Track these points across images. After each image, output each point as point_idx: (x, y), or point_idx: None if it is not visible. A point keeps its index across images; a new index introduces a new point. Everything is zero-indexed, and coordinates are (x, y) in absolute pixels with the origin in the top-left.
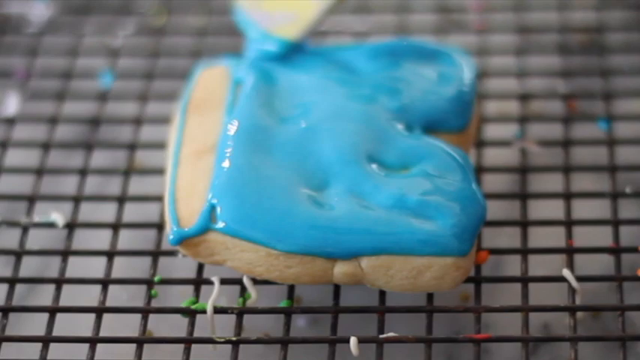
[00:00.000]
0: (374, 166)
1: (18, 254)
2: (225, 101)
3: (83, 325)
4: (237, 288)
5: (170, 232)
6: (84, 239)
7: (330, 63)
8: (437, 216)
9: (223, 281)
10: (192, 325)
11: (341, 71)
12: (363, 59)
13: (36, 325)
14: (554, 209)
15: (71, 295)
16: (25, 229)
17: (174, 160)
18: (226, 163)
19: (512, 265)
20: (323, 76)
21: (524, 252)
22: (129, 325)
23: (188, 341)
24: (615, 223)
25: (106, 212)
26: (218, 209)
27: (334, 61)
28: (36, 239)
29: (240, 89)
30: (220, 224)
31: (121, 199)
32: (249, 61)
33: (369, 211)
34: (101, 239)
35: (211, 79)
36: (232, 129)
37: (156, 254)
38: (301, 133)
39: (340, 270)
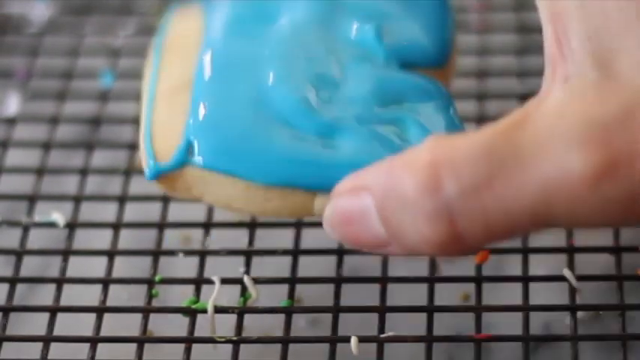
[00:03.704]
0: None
1: (18, 254)
2: (201, 39)
3: (84, 324)
4: (237, 287)
5: (146, 166)
6: (84, 239)
7: None
8: (416, 143)
9: (224, 281)
10: (192, 324)
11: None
12: None
13: (36, 324)
14: None
15: (72, 295)
16: (26, 229)
17: (150, 96)
18: (202, 97)
19: (512, 265)
20: (300, 8)
21: (525, 251)
22: (129, 324)
23: (189, 341)
24: None
25: (107, 212)
26: (195, 143)
27: None
28: (36, 239)
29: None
30: (197, 158)
31: (122, 199)
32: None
33: (347, 142)
34: (102, 239)
35: (184, 20)
36: (207, 60)
37: (156, 254)
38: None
39: (321, 203)
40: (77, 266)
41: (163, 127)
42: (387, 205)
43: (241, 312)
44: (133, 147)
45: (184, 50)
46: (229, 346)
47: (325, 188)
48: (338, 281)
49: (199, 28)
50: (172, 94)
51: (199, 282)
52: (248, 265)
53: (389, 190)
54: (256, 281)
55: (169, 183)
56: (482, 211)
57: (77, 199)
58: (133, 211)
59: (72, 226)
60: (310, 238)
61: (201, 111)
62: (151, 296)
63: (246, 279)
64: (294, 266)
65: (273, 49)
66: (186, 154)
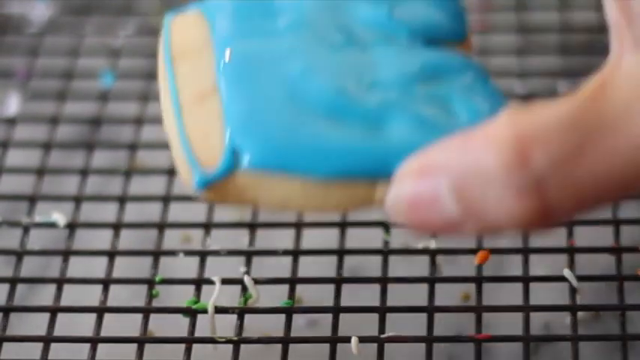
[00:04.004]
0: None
1: (19, 254)
2: (210, 42)
3: (84, 325)
4: (238, 288)
5: (192, 178)
6: (85, 239)
7: None
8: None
9: (224, 281)
10: (193, 325)
11: None
12: None
13: (37, 325)
14: None
15: (72, 295)
16: (26, 229)
17: (175, 108)
18: (235, 99)
19: (513, 265)
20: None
21: (526, 252)
22: (130, 325)
23: (189, 341)
24: (616, 223)
25: (107, 212)
26: (242, 146)
27: None
28: (37, 239)
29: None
30: (248, 161)
31: (122, 199)
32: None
33: (398, 126)
34: (102, 239)
35: (185, 26)
36: (227, 61)
37: (157, 254)
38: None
39: (382, 191)
40: (77, 266)
41: (200, 135)
42: (466, 183)
43: (242, 312)
44: (133, 147)
45: (196, 56)
46: (230, 347)
47: (386, 175)
48: (338, 281)
49: (204, 31)
50: (199, 101)
51: (200, 282)
52: (248, 265)
53: (468, 167)
54: (256, 281)
55: (218, 192)
56: (573, 181)
57: (77, 200)
58: (133, 212)
59: (72, 226)
60: (310, 238)
61: (239, 113)
62: (151, 296)
63: (246, 279)
64: (295, 266)
65: (292, 41)
66: (233, 158)
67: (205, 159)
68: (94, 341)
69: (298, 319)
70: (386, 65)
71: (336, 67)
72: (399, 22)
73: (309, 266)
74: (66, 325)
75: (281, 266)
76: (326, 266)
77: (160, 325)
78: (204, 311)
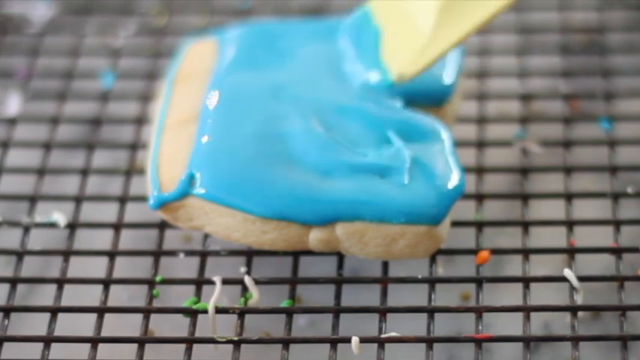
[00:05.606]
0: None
1: (19, 254)
2: (211, 72)
3: (85, 325)
4: (238, 288)
5: (151, 196)
6: (85, 239)
7: (316, 36)
8: (412, 185)
9: (225, 281)
10: (193, 325)
11: (326, 43)
12: (350, 33)
13: (37, 325)
14: (555, 209)
15: (73, 295)
16: (27, 229)
17: (159, 129)
18: (207, 132)
19: (513, 265)
20: (309, 50)
21: (526, 252)
22: (130, 325)
23: (190, 341)
24: (616, 223)
25: (108, 212)
26: (197, 175)
27: (321, 34)
28: (37, 239)
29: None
30: (199, 190)
31: (123, 199)
32: (236, 33)
33: (344, 180)
34: (103, 239)
35: (199, 53)
36: (214, 94)
37: (157, 254)
38: (283, 103)
39: (315, 236)
40: (78, 266)
41: (169, 158)
42: None
43: (242, 312)
44: (133, 147)
45: (195, 83)
46: (230, 347)
47: (320, 223)
48: (339, 282)
49: (212, 61)
50: (180, 126)
51: (200, 282)
52: (249, 265)
53: None
54: (257, 281)
55: (172, 213)
56: None
57: (78, 200)
58: (133, 211)
59: (73, 226)
60: None
61: (205, 144)
62: (151, 296)
63: (247, 279)
64: (295, 267)
65: (282, 85)
66: (188, 185)
67: (166, 181)
68: (95, 341)
69: (299, 319)
70: (358, 121)
71: (313, 116)
72: (388, 81)
73: (309, 266)
74: (66, 325)
75: (281, 266)
76: (327, 266)
77: (160, 325)
78: (205, 311)
